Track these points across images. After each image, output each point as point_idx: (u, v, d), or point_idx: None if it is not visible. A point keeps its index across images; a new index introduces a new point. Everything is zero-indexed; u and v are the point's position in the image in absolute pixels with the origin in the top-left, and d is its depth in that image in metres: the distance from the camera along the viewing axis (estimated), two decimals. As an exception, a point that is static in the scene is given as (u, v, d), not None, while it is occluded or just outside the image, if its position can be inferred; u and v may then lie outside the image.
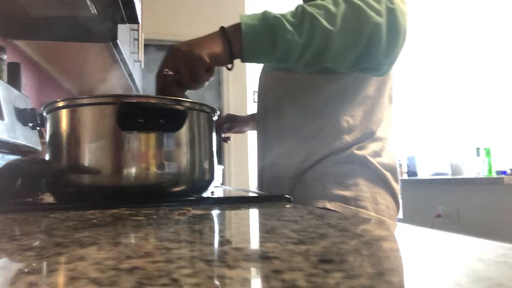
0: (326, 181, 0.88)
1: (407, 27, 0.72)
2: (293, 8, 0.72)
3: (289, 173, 0.95)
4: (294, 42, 0.65)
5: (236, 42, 0.68)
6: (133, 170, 0.63)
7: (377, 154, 0.91)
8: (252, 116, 1.27)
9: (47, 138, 0.70)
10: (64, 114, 0.66)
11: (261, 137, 1.06)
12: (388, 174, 0.91)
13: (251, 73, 3.72)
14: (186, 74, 0.69)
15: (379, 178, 0.90)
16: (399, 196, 0.94)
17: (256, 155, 1.12)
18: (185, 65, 0.68)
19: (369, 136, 0.92)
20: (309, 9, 0.67)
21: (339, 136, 0.90)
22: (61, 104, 0.66)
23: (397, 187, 0.93)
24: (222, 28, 0.70)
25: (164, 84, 0.69)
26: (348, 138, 0.90)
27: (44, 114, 0.71)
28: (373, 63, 0.76)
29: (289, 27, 0.65)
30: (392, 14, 0.69)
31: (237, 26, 0.67)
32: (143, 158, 0.63)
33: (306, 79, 0.94)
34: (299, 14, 0.66)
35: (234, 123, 1.29)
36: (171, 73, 0.68)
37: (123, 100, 0.64)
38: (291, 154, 0.96)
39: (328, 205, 0.85)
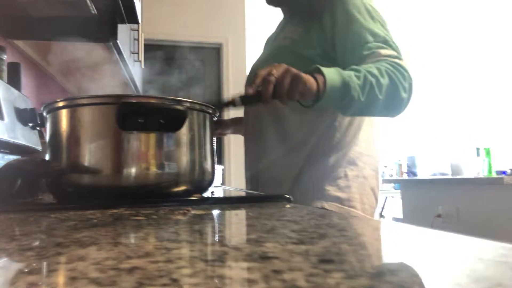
0: (324, 183, 0.96)
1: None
2: None
3: (289, 174, 1.00)
4: (358, 99, 0.80)
5: (321, 88, 0.79)
6: (133, 170, 0.63)
7: (364, 155, 1.00)
8: (234, 120, 1.32)
9: (47, 138, 0.70)
10: (64, 114, 0.66)
11: (255, 139, 1.09)
12: (373, 174, 1.01)
13: (251, 73, 3.72)
14: (287, 82, 0.75)
15: (365, 180, 0.99)
16: (378, 194, 1.03)
17: (246, 158, 1.16)
18: (290, 77, 0.75)
19: (357, 133, 1.01)
20: (369, 77, 0.81)
21: (333, 135, 0.99)
22: (61, 104, 0.66)
23: (377, 185, 1.02)
24: (316, 77, 0.80)
25: (264, 81, 0.75)
26: (339, 135, 0.99)
27: (44, 114, 0.71)
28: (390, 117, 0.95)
29: (357, 88, 0.80)
30: (411, 88, 0.87)
31: (324, 79, 0.79)
32: (143, 158, 0.63)
33: None
34: (363, 79, 0.81)
35: (216, 125, 1.32)
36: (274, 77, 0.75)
37: (123, 100, 0.64)
38: (290, 154, 1.00)
39: (326, 205, 0.93)
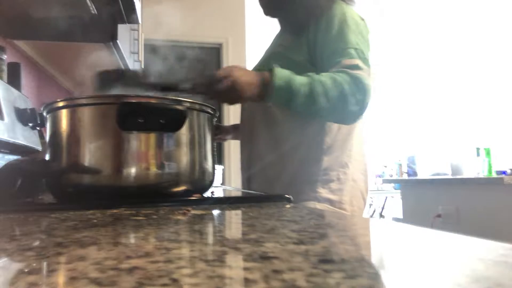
0: (317, 186, 1.00)
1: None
2: None
3: (282, 176, 1.03)
4: (303, 104, 0.89)
5: (268, 91, 0.88)
6: (133, 170, 0.63)
7: (354, 160, 1.04)
8: (234, 126, 1.36)
9: (47, 138, 0.70)
10: (64, 114, 0.66)
11: (249, 142, 1.12)
12: (362, 178, 1.06)
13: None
14: (223, 88, 0.83)
15: (355, 183, 1.04)
16: (366, 197, 1.09)
17: (241, 160, 1.20)
18: (230, 83, 0.83)
19: (348, 138, 1.05)
20: (319, 86, 0.87)
21: (323, 139, 1.02)
22: (61, 104, 0.66)
23: (365, 188, 1.08)
24: (262, 78, 0.88)
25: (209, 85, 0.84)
26: (329, 140, 1.03)
27: (44, 114, 0.71)
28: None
29: (302, 95, 0.87)
30: (365, 101, 0.90)
31: (272, 81, 0.87)
32: (143, 158, 0.63)
33: None
34: (311, 87, 0.87)
35: (217, 131, 1.35)
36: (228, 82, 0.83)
37: (123, 100, 0.64)
38: (283, 157, 1.04)
39: (318, 206, 0.97)
